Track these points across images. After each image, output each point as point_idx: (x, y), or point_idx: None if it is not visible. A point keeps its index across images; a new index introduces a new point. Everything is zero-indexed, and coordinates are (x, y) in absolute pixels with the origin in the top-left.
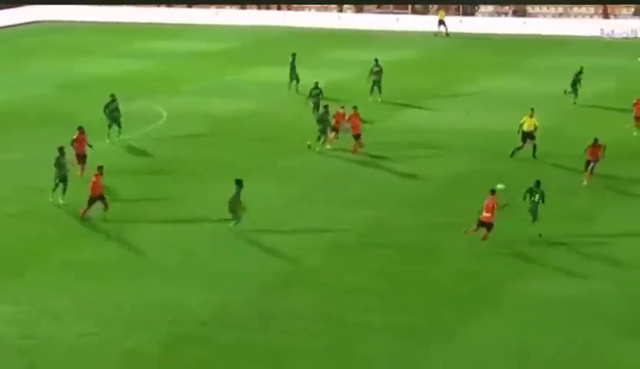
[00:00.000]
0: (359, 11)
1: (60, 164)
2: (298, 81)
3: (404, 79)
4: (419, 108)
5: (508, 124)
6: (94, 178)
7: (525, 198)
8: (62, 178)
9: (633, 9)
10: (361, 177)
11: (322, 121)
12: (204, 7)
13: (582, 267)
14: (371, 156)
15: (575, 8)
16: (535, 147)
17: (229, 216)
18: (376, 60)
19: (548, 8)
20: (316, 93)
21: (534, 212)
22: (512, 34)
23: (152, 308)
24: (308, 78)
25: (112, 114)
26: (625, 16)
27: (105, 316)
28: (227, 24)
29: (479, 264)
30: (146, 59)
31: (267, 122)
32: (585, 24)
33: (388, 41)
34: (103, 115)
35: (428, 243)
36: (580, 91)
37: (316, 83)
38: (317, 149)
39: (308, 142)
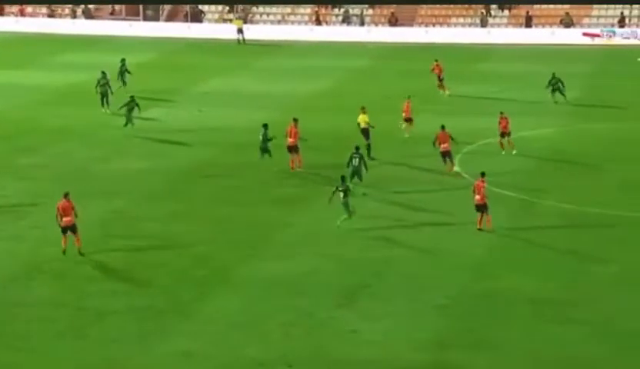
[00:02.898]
0: (89, 17)
1: None
2: (125, 84)
3: (140, 81)
4: (156, 107)
5: (239, 120)
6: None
7: (348, 165)
8: None
9: (341, 17)
10: (101, 172)
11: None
12: None
13: (298, 247)
14: (110, 152)
15: (292, 16)
16: (369, 146)
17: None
18: (103, 73)
19: (268, 15)
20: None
21: (358, 173)
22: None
23: None
24: (43, 80)
25: None
26: (335, 23)
27: None
28: None
29: (214, 248)
30: None
31: (4, 123)
32: (300, 30)
33: (123, 45)
34: None
35: (167, 231)
36: (298, 89)
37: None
38: None
39: None
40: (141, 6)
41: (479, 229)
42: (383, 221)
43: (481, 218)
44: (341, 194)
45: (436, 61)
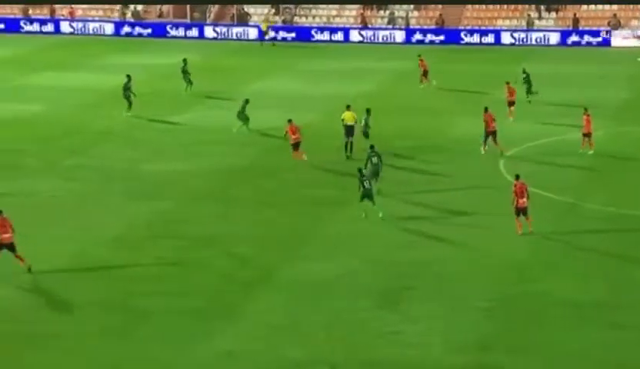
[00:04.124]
0: (138, 19)
1: None
2: (191, 84)
3: (178, 82)
4: (199, 108)
5: (280, 122)
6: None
7: (365, 166)
8: None
9: (387, 19)
10: (145, 173)
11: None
12: None
13: (340, 249)
14: (154, 154)
15: (337, 18)
16: (351, 145)
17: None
18: (128, 76)
19: (314, 18)
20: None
21: (376, 173)
22: (282, 40)
23: None
24: (90, 82)
25: None
26: (380, 25)
27: None
28: (10, 32)
29: (256, 250)
30: None
31: (52, 124)
32: (346, 32)
33: (170, 47)
34: None
35: (210, 232)
36: (341, 91)
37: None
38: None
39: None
40: (188, 8)
41: (528, 233)
42: (420, 223)
43: (519, 219)
44: (366, 184)
45: (419, 56)
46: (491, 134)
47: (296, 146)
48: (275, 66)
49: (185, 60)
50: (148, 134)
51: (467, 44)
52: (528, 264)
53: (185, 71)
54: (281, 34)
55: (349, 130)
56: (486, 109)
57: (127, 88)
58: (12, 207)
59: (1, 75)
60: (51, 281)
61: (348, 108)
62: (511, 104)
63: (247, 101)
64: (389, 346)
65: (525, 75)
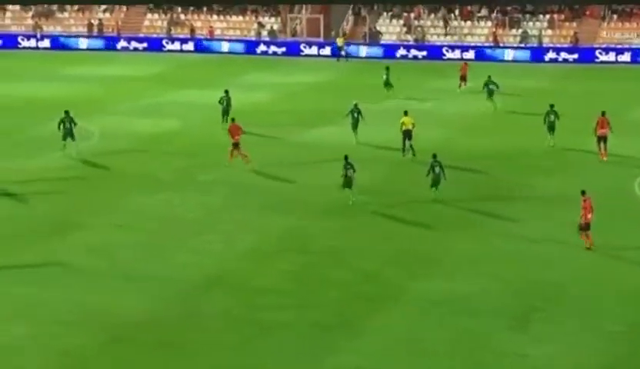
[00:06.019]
0: (273, 37)
1: None
2: (391, 86)
3: (315, 100)
4: (329, 125)
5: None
6: None
7: (428, 173)
8: None
9: (519, 38)
10: (272, 188)
11: None
12: (132, 33)
13: (467, 267)
14: (281, 169)
15: (469, 37)
16: (411, 147)
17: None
18: (226, 92)
19: (445, 36)
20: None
21: (437, 181)
22: (410, 59)
23: (83, 311)
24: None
25: (66, 128)
26: (512, 43)
27: (39, 318)
28: (153, 50)
29: (382, 265)
30: (75, 83)
31: (187, 139)
32: (476, 51)
33: (303, 66)
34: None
35: (335, 246)
36: (467, 109)
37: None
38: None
39: None
40: (322, 27)
41: (588, 248)
42: (550, 243)
43: (585, 234)
44: (349, 172)
45: (465, 62)
46: (601, 138)
47: (236, 145)
48: (405, 84)
49: (387, 68)
50: (277, 149)
51: (602, 62)
52: None
53: (387, 77)
54: (413, 52)
55: (407, 134)
56: (603, 113)
57: (226, 102)
58: (150, 220)
59: (144, 92)
60: (184, 292)
61: (405, 113)
62: None
63: (356, 106)
64: (515, 366)
65: (489, 82)
